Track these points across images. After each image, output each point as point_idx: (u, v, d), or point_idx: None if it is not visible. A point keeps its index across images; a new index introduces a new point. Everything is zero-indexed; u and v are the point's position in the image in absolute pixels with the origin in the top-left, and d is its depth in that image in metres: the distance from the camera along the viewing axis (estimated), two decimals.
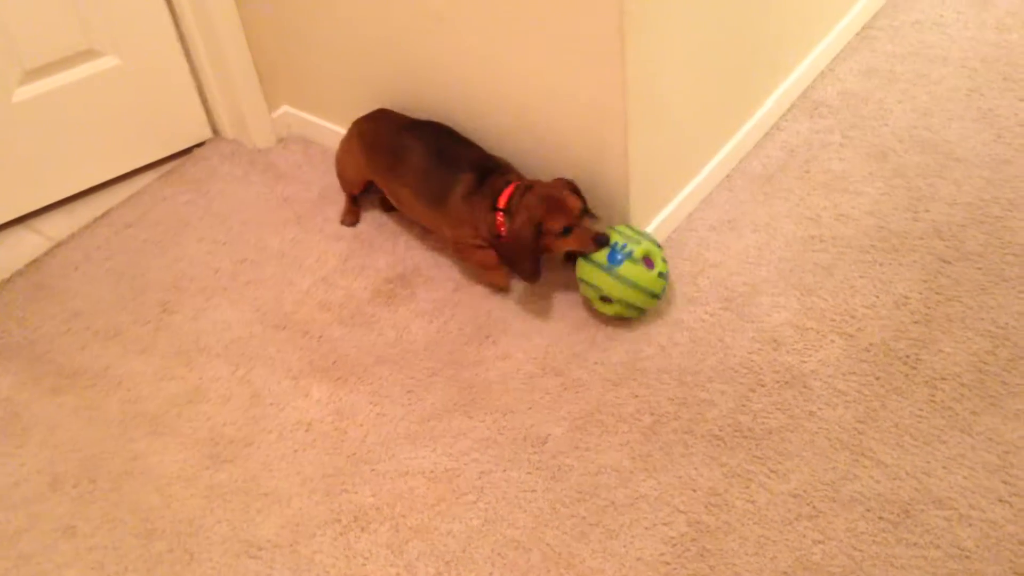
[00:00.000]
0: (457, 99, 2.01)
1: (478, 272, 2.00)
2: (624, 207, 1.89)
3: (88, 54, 2.18)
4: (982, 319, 1.79)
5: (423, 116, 2.06)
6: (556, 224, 1.78)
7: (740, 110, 2.16)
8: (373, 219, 2.19)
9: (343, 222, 2.19)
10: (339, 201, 2.22)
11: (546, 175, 1.99)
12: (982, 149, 2.12)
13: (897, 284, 1.88)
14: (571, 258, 1.91)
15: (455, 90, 1.99)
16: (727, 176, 2.18)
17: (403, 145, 1.97)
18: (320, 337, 1.95)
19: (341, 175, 2.17)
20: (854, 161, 2.15)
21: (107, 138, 2.29)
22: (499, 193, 1.85)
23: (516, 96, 1.89)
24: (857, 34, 2.49)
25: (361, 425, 1.78)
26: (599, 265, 1.81)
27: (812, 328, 1.84)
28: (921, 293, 1.86)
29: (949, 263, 1.90)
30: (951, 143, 2.15)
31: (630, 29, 1.61)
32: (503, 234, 1.84)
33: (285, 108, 2.41)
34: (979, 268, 1.88)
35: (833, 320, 1.84)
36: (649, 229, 1.99)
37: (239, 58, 2.26)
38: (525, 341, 1.90)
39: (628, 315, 1.86)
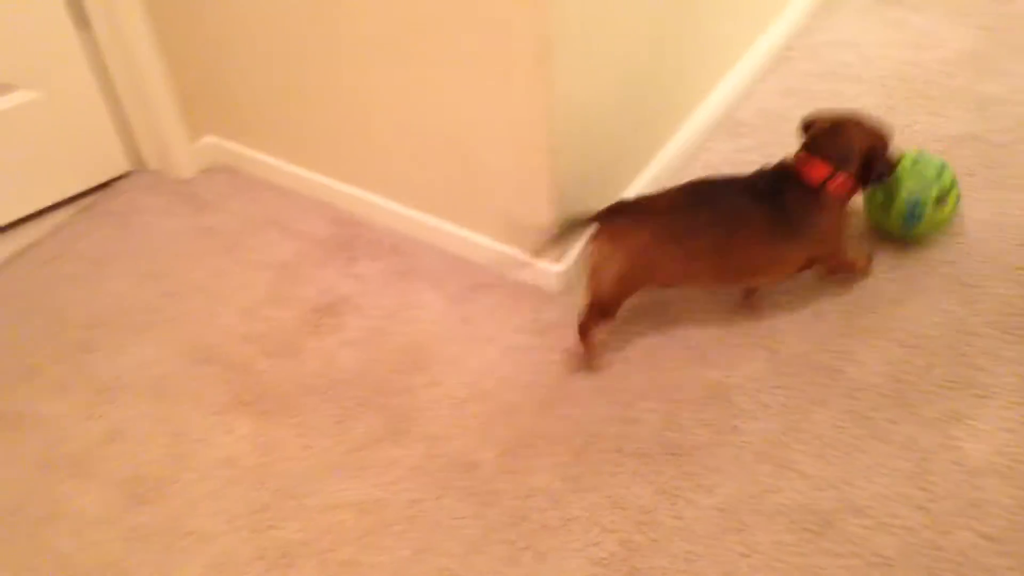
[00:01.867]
0: (378, 127, 2.01)
1: (845, 274, 1.90)
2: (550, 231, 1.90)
3: (2, 88, 2.14)
4: (898, 329, 1.83)
5: (347, 144, 2.07)
6: (882, 143, 1.74)
7: (664, 131, 2.19)
8: (301, 248, 2.18)
9: (590, 365, 1.86)
10: (265, 229, 2.20)
11: (470, 201, 1.99)
12: None
13: (816, 297, 1.92)
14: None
15: (376, 117, 1.99)
16: None
17: (688, 227, 1.71)
18: (245, 370, 1.92)
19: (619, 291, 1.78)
20: None
21: (25, 173, 2.24)
22: (801, 179, 1.73)
23: (438, 124, 1.90)
24: (775, 55, 2.55)
25: (288, 459, 1.75)
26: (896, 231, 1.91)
27: (737, 343, 1.86)
28: (840, 306, 1.89)
29: (867, 276, 1.94)
30: None
31: (553, 49, 1.63)
32: (846, 192, 1.73)
33: (209, 138, 2.39)
34: (894, 280, 1.93)
35: (757, 335, 1.87)
36: (577, 249, 2.00)
37: (159, 88, 2.23)
38: (455, 366, 1.89)
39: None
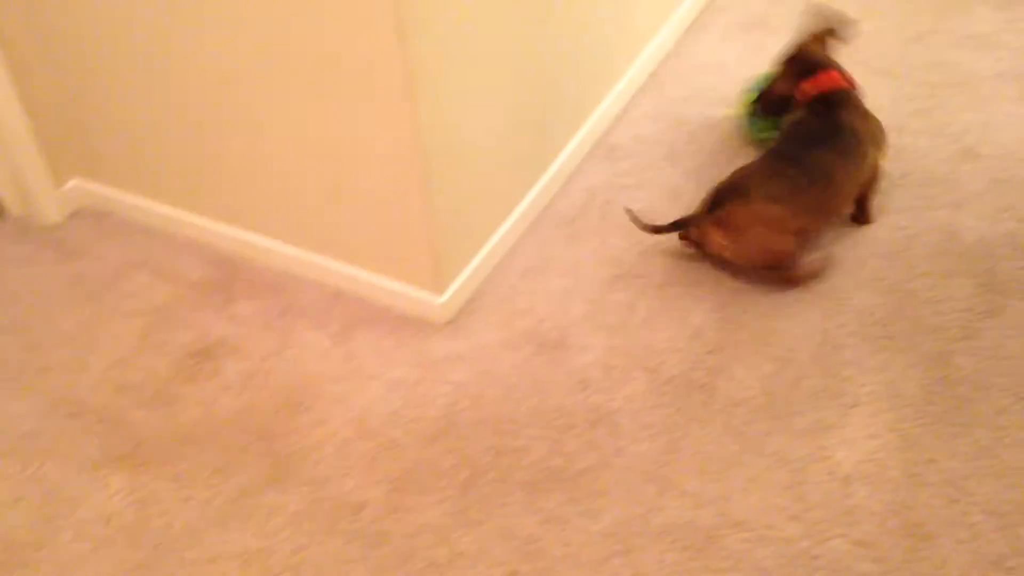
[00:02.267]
0: (250, 164, 1.97)
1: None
2: (430, 261, 1.90)
3: None
4: (768, 344, 1.90)
5: (219, 181, 2.02)
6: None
7: (542, 156, 2.22)
8: (175, 292, 2.12)
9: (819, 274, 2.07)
10: (136, 273, 2.14)
11: (348, 236, 1.98)
12: None
13: (692, 316, 1.97)
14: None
15: (248, 149, 1.96)
16: (534, 222, 2.23)
17: (788, 188, 1.95)
18: (119, 422, 1.85)
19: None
20: (649, 202, 2.25)
21: None
22: (834, 96, 2.03)
23: (311, 159, 1.88)
24: (648, 78, 2.62)
25: (166, 512, 1.69)
26: None
27: (618, 366, 1.89)
28: (714, 323, 1.95)
29: (738, 292, 2.01)
30: None
31: (419, 84, 1.63)
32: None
33: (75, 181, 2.30)
34: (764, 295, 2.00)
35: (636, 356, 1.91)
36: (459, 280, 2.01)
37: (18, 132, 2.14)
38: (340, 404, 1.87)
39: None
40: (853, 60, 2.34)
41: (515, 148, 2.07)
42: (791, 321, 1.94)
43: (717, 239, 1.98)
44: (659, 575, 1.55)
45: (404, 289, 1.99)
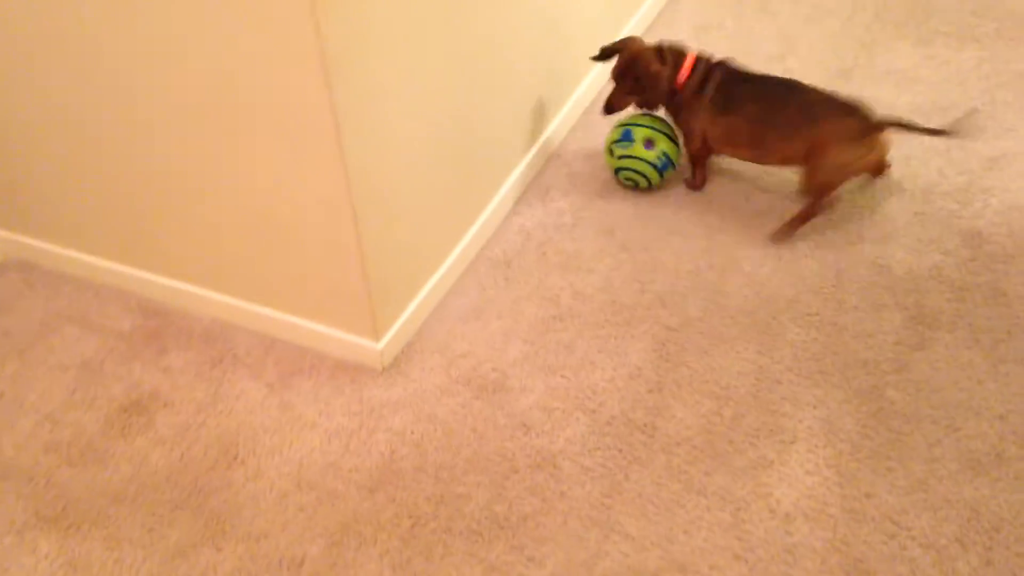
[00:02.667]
0: (180, 212, 1.94)
1: None
2: (366, 306, 1.88)
3: None
4: (707, 381, 1.91)
5: (148, 230, 1.98)
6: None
7: (477, 197, 2.22)
8: (105, 344, 2.06)
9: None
10: (64, 326, 2.07)
11: (282, 282, 1.95)
12: (696, 220, 2.29)
13: (631, 355, 1.98)
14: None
15: (177, 198, 1.92)
16: (471, 264, 2.23)
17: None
18: (47, 482, 1.79)
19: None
20: (585, 240, 2.27)
21: None
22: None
23: (241, 206, 1.85)
24: (580, 119, 2.64)
25: (96, 575, 1.64)
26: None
27: (558, 408, 1.89)
28: (652, 362, 1.96)
29: (675, 330, 2.03)
30: (668, 217, 2.31)
31: (347, 130, 1.62)
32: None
33: None
34: (701, 332, 2.02)
35: (577, 398, 1.91)
36: (396, 325, 1.99)
37: None
38: (277, 456, 1.83)
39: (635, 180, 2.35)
40: None
41: (449, 191, 2.07)
42: (728, 357, 1.96)
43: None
44: None
45: (341, 335, 1.97)
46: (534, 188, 2.43)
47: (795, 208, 2.22)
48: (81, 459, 1.83)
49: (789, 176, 2.38)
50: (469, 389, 1.94)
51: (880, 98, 2.59)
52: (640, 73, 2.23)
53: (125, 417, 1.91)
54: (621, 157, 2.33)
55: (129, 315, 2.13)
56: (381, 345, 1.95)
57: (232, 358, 2.03)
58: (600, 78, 2.72)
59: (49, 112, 1.90)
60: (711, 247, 2.22)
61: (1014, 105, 2.55)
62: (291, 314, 2.00)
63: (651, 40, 2.29)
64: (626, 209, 2.34)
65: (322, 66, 1.51)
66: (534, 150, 2.43)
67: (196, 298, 2.09)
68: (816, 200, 2.16)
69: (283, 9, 1.46)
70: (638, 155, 2.30)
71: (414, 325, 2.06)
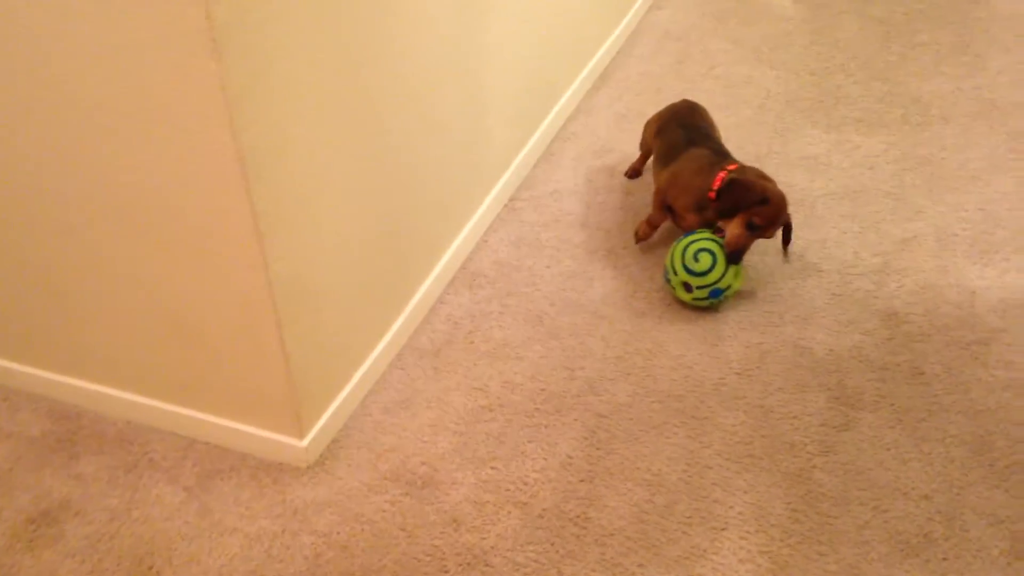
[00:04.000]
0: (93, 307, 1.87)
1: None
2: (289, 403, 1.83)
3: None
4: (638, 468, 1.90)
5: (59, 330, 1.91)
6: (772, 215, 2.14)
7: (403, 288, 2.20)
8: (12, 451, 1.96)
9: (627, 174, 2.77)
10: None
11: (201, 382, 1.89)
12: (622, 304, 2.31)
13: (562, 444, 1.96)
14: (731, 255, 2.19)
15: (89, 298, 1.86)
16: (398, 355, 2.20)
17: (673, 129, 2.45)
18: None
19: (643, 137, 2.72)
20: (513, 328, 2.26)
21: None
22: (721, 169, 2.22)
23: (158, 305, 1.80)
24: (505, 206, 2.67)
25: None
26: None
27: (489, 501, 1.85)
28: (583, 450, 1.94)
29: (605, 417, 2.02)
30: (595, 302, 2.32)
31: (265, 227, 1.59)
32: (715, 190, 2.20)
33: None
34: (631, 418, 2.01)
35: (508, 490, 1.87)
36: (321, 421, 1.94)
37: None
38: (194, 566, 1.74)
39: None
40: None
41: (372, 283, 2.05)
42: (658, 443, 1.95)
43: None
44: None
45: (263, 434, 1.91)
46: (461, 276, 2.42)
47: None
48: None
49: None
50: (397, 485, 1.89)
51: (795, 183, 2.68)
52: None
53: (33, 529, 1.80)
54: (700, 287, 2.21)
55: (39, 420, 2.03)
56: (305, 442, 1.90)
57: (148, 462, 1.95)
58: (521, 168, 2.76)
59: None
60: (638, 331, 2.23)
61: (922, 188, 2.66)
62: (210, 414, 1.94)
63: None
64: (553, 296, 2.35)
65: (241, 170, 1.50)
66: (460, 238, 2.43)
67: (110, 400, 2.02)
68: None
69: (200, 114, 1.45)
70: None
71: (340, 420, 2.01)
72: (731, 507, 1.81)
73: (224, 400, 1.90)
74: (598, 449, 1.95)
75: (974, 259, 2.39)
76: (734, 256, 2.15)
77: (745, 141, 2.89)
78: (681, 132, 2.42)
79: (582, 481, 1.88)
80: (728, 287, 2.20)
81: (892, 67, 3.27)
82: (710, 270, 2.16)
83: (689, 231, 2.26)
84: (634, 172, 2.77)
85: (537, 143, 2.85)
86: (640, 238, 2.45)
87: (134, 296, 1.80)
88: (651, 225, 2.44)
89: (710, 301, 2.23)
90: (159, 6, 1.37)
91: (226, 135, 1.46)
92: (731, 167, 2.22)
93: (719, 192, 2.19)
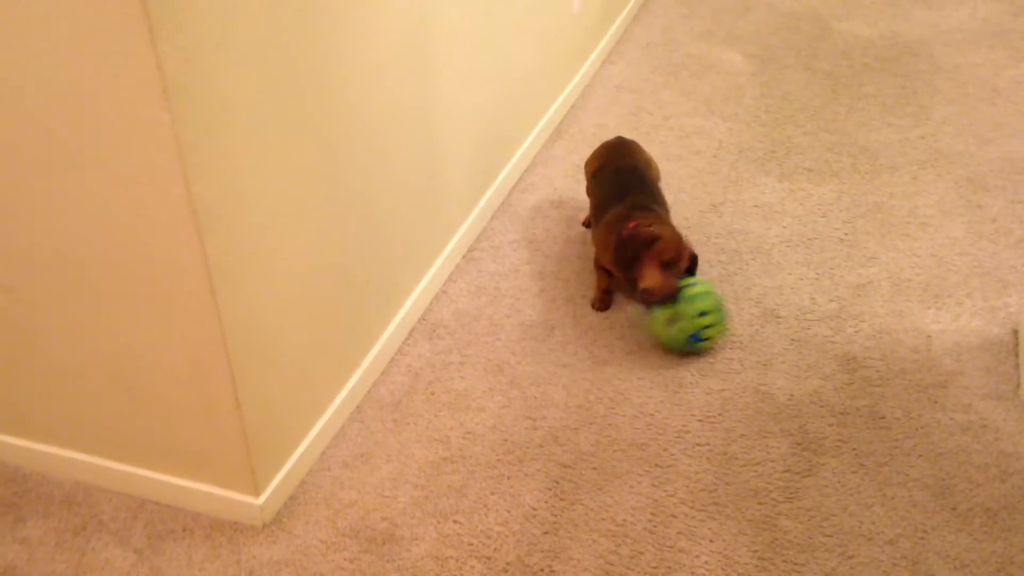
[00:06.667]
0: (39, 365, 1.82)
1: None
2: (244, 460, 1.78)
3: None
4: (603, 518, 1.87)
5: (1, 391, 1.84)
6: (667, 253, 2.15)
7: (362, 339, 2.17)
8: None
9: (585, 223, 2.79)
10: None
11: (152, 437, 1.84)
12: (583, 353, 2.30)
13: (525, 496, 1.93)
14: (644, 300, 2.21)
15: (34, 356, 1.80)
16: (357, 407, 2.16)
17: (605, 180, 2.48)
18: None
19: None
20: (474, 378, 2.23)
21: None
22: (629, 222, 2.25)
23: (108, 359, 1.75)
24: (464, 256, 2.66)
25: None
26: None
27: (452, 556, 1.81)
28: (547, 501, 1.91)
29: (568, 467, 1.99)
30: (556, 351, 2.31)
31: (219, 281, 1.56)
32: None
33: None
34: (594, 468, 1.99)
35: (471, 544, 1.83)
36: (277, 478, 1.89)
37: None
38: None
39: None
40: None
41: (330, 335, 2.02)
42: (622, 492, 1.92)
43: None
44: None
45: (217, 492, 1.85)
46: (421, 327, 2.40)
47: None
48: None
49: None
50: (356, 542, 1.84)
51: (750, 231, 2.71)
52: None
53: None
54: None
55: None
56: (261, 500, 1.84)
57: (96, 524, 1.87)
58: (480, 218, 2.76)
59: None
60: (599, 380, 2.22)
61: (874, 234, 2.71)
62: (161, 472, 1.88)
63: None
64: (513, 345, 2.33)
65: (194, 221, 1.47)
66: (419, 289, 2.42)
67: (56, 460, 1.95)
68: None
69: (152, 165, 1.43)
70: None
71: (297, 476, 1.96)
72: (697, 556, 1.79)
73: (176, 458, 1.84)
74: (562, 500, 1.92)
75: (928, 303, 2.43)
76: (665, 298, 2.17)
77: (700, 191, 2.93)
78: (613, 182, 2.46)
79: (546, 533, 1.85)
80: (709, 334, 2.20)
81: (840, 118, 3.35)
82: (707, 300, 2.18)
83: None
84: (590, 222, 2.79)
85: (495, 194, 2.85)
86: (599, 307, 2.45)
87: (80, 350, 1.75)
88: (601, 289, 2.46)
89: (688, 343, 2.21)
90: (109, 57, 1.35)
91: (179, 185, 1.44)
92: (630, 224, 2.24)
93: (615, 252, 2.25)
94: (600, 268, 2.44)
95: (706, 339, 2.22)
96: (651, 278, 2.16)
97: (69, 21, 1.34)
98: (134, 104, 1.38)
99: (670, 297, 2.17)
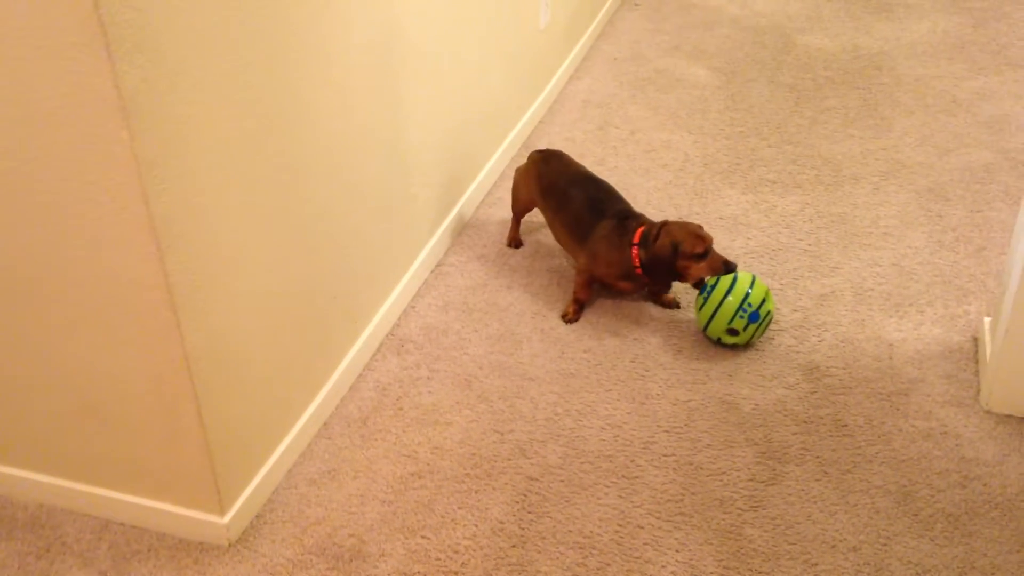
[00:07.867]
0: (2, 388, 1.80)
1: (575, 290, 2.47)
2: (209, 479, 1.77)
3: None
4: (570, 531, 1.88)
5: None
6: (694, 248, 2.21)
7: (328, 356, 2.17)
8: None
9: (509, 243, 2.76)
10: None
11: (114, 457, 1.82)
12: (551, 366, 2.31)
13: (492, 509, 1.93)
14: (698, 285, 2.35)
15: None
16: (324, 424, 2.15)
17: (568, 194, 2.47)
18: None
19: (515, 199, 2.71)
20: (442, 392, 2.24)
21: None
22: (633, 233, 2.32)
23: (69, 379, 1.73)
24: (432, 271, 2.66)
25: None
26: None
27: (419, 572, 1.80)
28: (515, 515, 1.91)
29: (536, 480, 2.00)
30: (524, 364, 2.32)
31: (181, 300, 1.56)
32: (638, 265, 2.30)
33: None
34: (562, 480, 1.99)
35: (439, 559, 1.83)
36: (243, 496, 1.88)
37: None
38: None
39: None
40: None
41: (296, 352, 2.01)
42: (590, 504, 1.93)
43: None
44: None
45: (182, 512, 1.84)
46: (389, 342, 2.40)
47: (646, 348, 2.27)
48: None
49: (637, 317, 2.45)
50: (324, 559, 1.83)
51: (716, 242, 2.74)
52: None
53: None
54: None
55: None
56: (227, 519, 1.83)
57: (60, 546, 1.85)
58: (448, 233, 2.77)
59: None
60: (566, 392, 2.23)
61: (837, 245, 2.74)
62: (125, 493, 1.86)
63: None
64: (481, 359, 2.34)
65: (154, 240, 1.47)
66: (387, 304, 2.42)
67: (18, 482, 1.93)
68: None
69: (111, 184, 1.43)
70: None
71: (264, 494, 1.95)
72: (663, 567, 1.80)
73: (140, 478, 1.83)
74: (529, 513, 1.92)
75: (890, 312, 2.46)
76: (726, 272, 2.25)
77: (666, 203, 2.95)
78: (578, 197, 2.46)
79: (514, 547, 1.85)
80: (766, 310, 2.28)
81: (803, 130, 3.40)
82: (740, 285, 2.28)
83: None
84: (516, 243, 2.78)
85: (463, 209, 2.86)
86: (570, 319, 2.46)
87: (41, 371, 1.74)
88: (579, 303, 2.47)
89: (746, 326, 2.27)
90: (67, 76, 1.35)
91: (138, 203, 1.44)
92: (636, 237, 2.32)
93: (646, 272, 2.31)
94: (589, 283, 2.45)
95: (763, 308, 2.27)
96: (698, 272, 2.26)
97: (26, 40, 1.34)
98: (92, 122, 1.38)
99: (729, 269, 2.25)
